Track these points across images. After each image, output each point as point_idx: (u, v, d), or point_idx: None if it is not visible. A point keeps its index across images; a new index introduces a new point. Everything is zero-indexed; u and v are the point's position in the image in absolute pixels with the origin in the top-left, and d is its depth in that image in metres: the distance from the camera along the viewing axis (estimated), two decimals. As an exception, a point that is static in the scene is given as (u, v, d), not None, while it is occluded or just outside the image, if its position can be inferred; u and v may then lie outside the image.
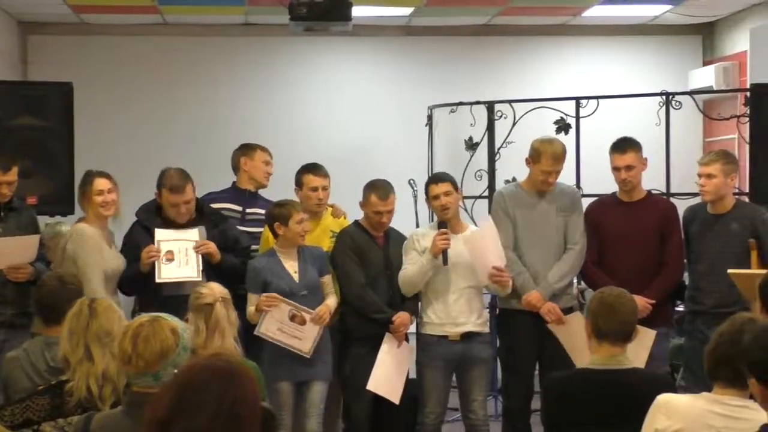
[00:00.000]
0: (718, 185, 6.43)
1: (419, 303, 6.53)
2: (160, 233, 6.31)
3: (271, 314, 6.13)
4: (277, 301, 6.13)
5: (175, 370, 3.42)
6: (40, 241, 6.33)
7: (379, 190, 6.47)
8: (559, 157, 6.53)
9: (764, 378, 2.99)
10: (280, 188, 7.04)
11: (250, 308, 6.17)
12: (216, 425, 2.68)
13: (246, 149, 7.15)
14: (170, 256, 6.25)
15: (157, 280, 6.18)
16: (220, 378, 2.74)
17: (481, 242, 6.38)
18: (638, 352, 5.79)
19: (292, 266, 6.29)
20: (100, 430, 3.58)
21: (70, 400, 4.10)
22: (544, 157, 6.48)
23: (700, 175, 6.49)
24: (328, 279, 6.40)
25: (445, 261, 6.31)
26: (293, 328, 6.14)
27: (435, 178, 6.60)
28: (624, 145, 6.57)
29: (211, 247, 6.32)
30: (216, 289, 5.09)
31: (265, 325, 6.13)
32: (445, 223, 6.39)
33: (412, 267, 6.38)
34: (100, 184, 6.26)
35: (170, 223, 6.40)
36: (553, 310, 6.41)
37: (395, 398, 6.40)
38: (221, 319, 4.98)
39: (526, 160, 6.59)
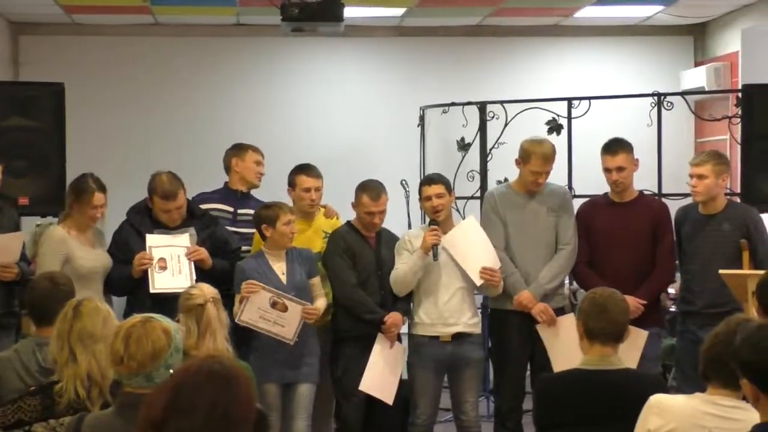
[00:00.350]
0: (710, 186, 6.44)
1: (411, 304, 6.54)
2: (151, 239, 6.29)
3: (252, 301, 6.09)
4: (258, 288, 6.10)
5: (170, 371, 3.44)
6: (25, 240, 6.34)
7: (370, 191, 6.47)
8: (549, 157, 6.53)
9: (755, 378, 3.00)
10: (272, 189, 7.04)
11: (237, 307, 6.15)
12: (210, 426, 2.69)
13: (237, 150, 7.14)
14: (163, 264, 6.23)
15: (152, 290, 6.16)
16: (215, 380, 2.75)
17: (463, 241, 6.38)
18: (630, 352, 5.81)
19: (280, 267, 6.29)
20: (91, 431, 3.58)
21: (61, 401, 4.10)
22: (534, 157, 6.49)
23: (691, 176, 6.50)
24: (316, 281, 6.39)
25: (436, 257, 6.31)
26: (275, 315, 6.11)
27: (428, 180, 6.59)
28: (615, 147, 6.57)
29: (203, 253, 6.31)
30: (206, 290, 5.08)
31: (247, 314, 6.09)
32: (437, 221, 6.40)
33: (403, 266, 6.38)
34: (98, 199, 6.27)
35: (160, 225, 6.39)
36: (546, 311, 6.42)
37: (389, 399, 6.39)
38: (213, 320, 4.96)
39: (516, 160, 6.60)
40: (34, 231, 6.73)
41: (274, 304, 6.11)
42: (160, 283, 6.18)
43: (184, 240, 6.32)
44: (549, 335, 6.40)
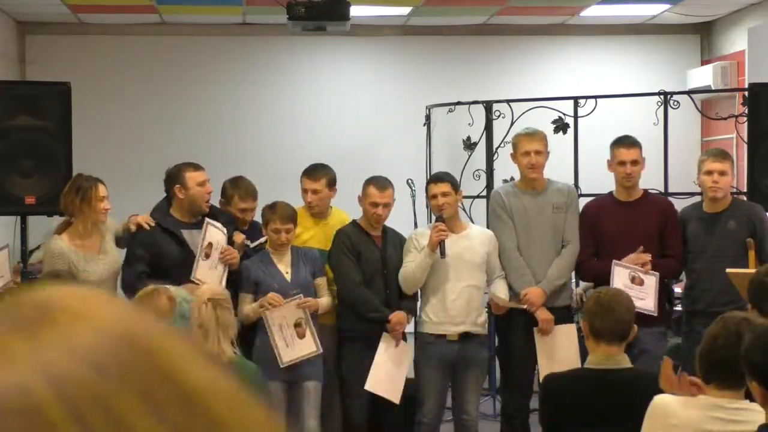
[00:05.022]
0: (729, 182, 6.48)
1: (418, 302, 6.54)
2: (209, 221, 6.27)
3: (283, 308, 6.14)
4: (278, 303, 6.12)
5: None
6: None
7: (377, 181, 6.52)
8: (536, 136, 6.58)
9: (764, 380, 2.98)
10: (279, 189, 7.03)
11: (242, 307, 6.16)
12: None
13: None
14: (209, 251, 6.18)
15: (192, 277, 6.04)
16: None
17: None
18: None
19: (284, 266, 6.31)
20: None
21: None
22: (521, 141, 6.58)
23: (710, 172, 6.46)
24: (322, 281, 6.41)
25: (443, 254, 6.31)
26: (290, 334, 6.14)
27: (435, 178, 6.60)
28: (630, 140, 6.62)
29: (235, 257, 6.28)
30: (204, 291, 5.08)
31: (272, 313, 6.14)
32: (442, 217, 6.40)
33: (411, 264, 6.38)
34: (102, 190, 6.20)
35: (183, 224, 6.33)
36: (550, 322, 6.41)
37: (395, 398, 6.39)
38: (206, 321, 4.96)
39: (511, 155, 6.65)
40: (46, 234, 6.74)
41: (297, 325, 6.15)
42: (201, 273, 6.09)
43: (223, 236, 6.29)
44: (543, 343, 6.42)
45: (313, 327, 6.19)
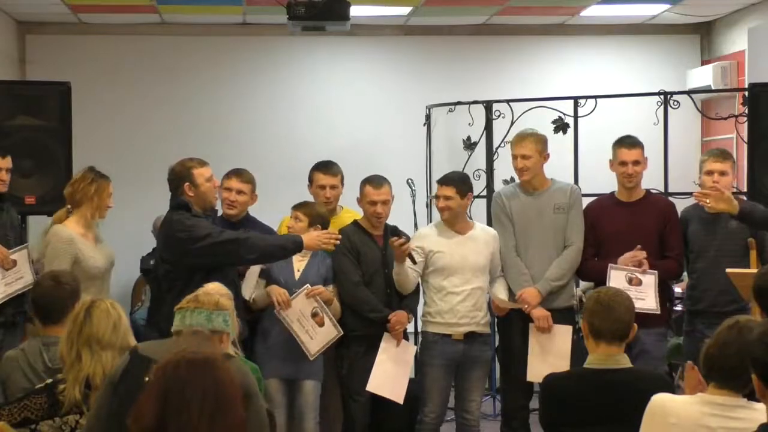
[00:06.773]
0: (730, 182, 6.48)
1: (417, 303, 6.54)
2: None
3: (296, 302, 6.17)
4: (300, 296, 6.19)
5: (228, 326, 4.02)
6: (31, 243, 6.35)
7: (373, 180, 6.53)
8: (524, 140, 6.57)
9: (763, 374, 2.98)
10: (278, 188, 7.03)
11: (253, 291, 6.24)
12: (206, 415, 2.71)
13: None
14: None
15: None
16: (195, 368, 2.78)
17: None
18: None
19: (299, 264, 6.34)
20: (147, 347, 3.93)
21: (65, 400, 4.11)
22: (512, 145, 6.64)
23: (711, 172, 6.46)
24: (332, 289, 6.41)
25: (414, 261, 6.31)
26: (310, 325, 6.18)
27: (442, 180, 6.57)
28: (632, 140, 6.61)
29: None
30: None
31: (287, 312, 6.17)
32: (398, 230, 6.44)
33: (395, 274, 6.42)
34: (111, 187, 6.23)
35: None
36: (547, 318, 6.40)
37: (398, 398, 6.38)
38: None
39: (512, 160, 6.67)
40: (44, 229, 6.72)
41: (314, 315, 6.19)
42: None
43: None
44: (537, 340, 6.41)
45: (329, 312, 6.21)
